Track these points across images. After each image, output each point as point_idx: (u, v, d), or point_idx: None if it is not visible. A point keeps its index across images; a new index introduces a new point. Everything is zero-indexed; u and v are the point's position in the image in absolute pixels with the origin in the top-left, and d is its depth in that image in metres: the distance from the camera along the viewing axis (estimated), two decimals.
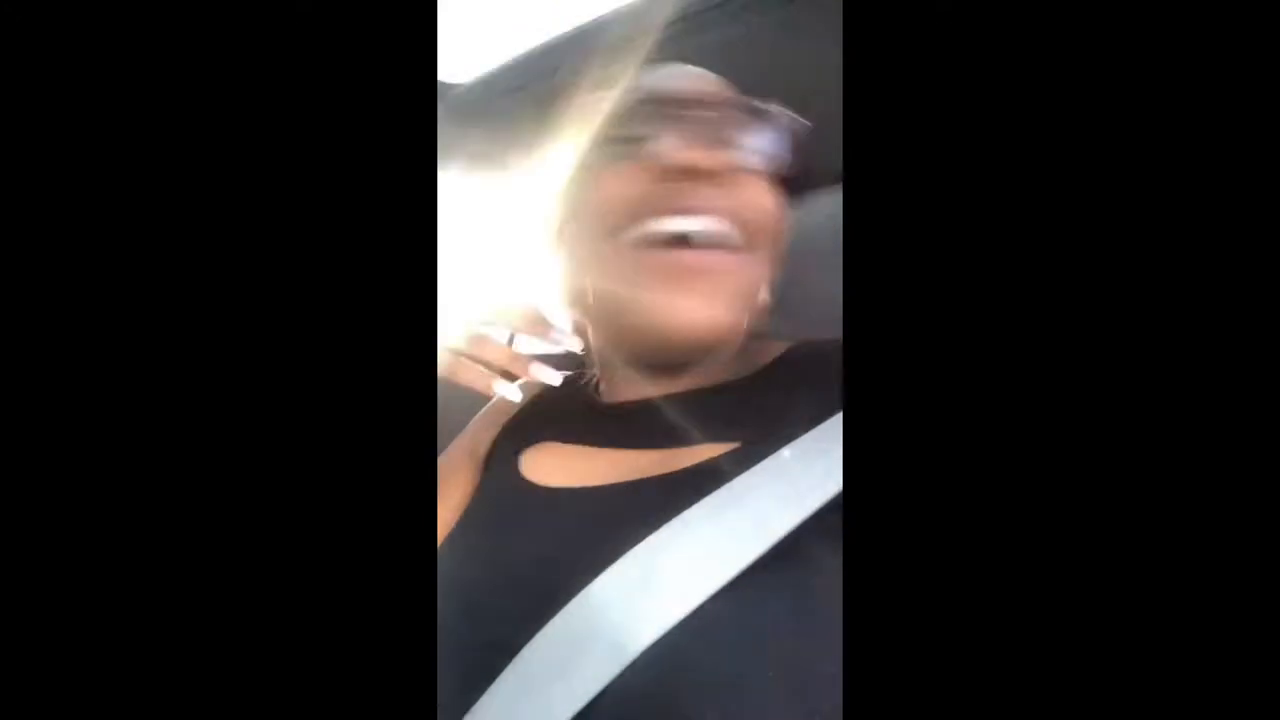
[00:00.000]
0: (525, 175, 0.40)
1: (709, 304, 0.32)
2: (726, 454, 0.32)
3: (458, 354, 0.39)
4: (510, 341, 0.40)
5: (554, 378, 0.39)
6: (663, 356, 0.35)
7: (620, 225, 0.33)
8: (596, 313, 0.37)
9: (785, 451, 0.30)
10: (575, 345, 0.40)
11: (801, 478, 0.28)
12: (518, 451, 0.40)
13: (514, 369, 0.39)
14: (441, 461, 0.45)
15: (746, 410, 0.34)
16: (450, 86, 0.74)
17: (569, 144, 0.36)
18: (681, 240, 0.32)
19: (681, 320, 0.32)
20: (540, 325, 0.40)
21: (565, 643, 0.27)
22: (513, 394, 0.39)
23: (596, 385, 0.43)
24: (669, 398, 0.36)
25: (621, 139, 0.34)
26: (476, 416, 0.47)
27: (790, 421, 0.31)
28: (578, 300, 0.37)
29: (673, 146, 0.32)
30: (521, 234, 0.43)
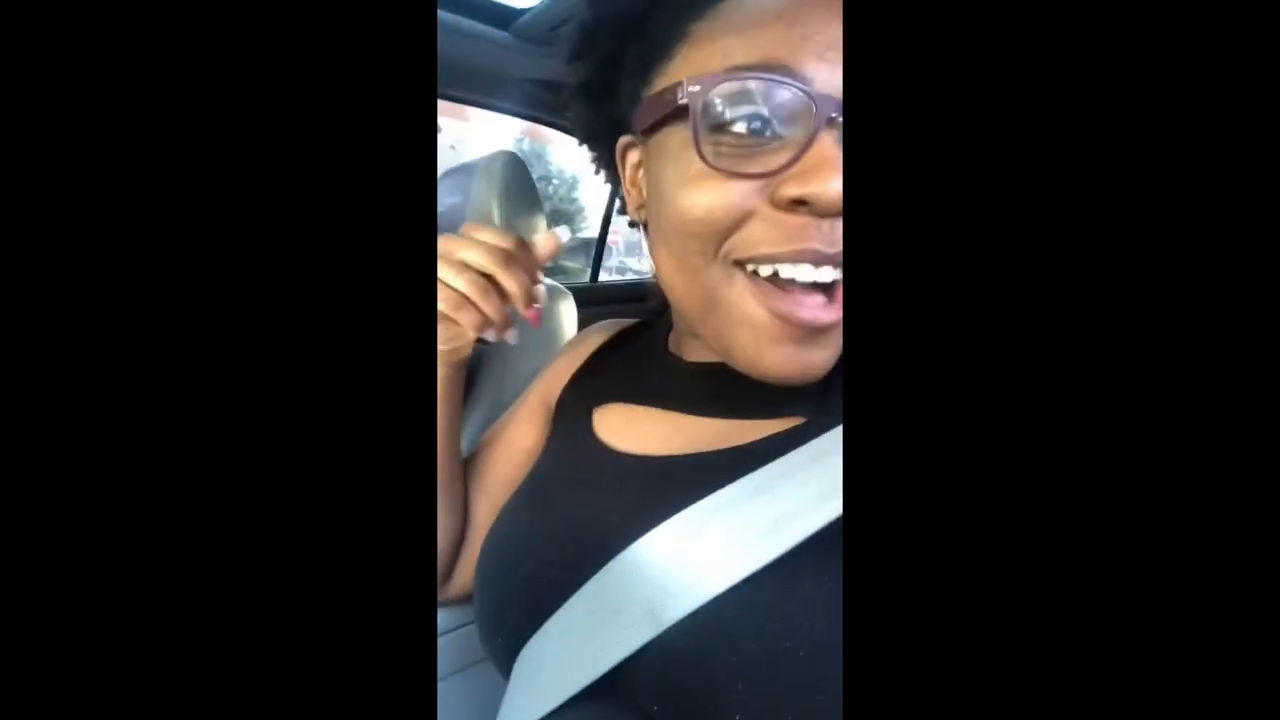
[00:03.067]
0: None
1: (816, 356, 0.30)
2: (789, 430, 0.32)
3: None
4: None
5: (512, 336, 0.37)
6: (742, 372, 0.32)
7: (724, 245, 0.29)
8: (683, 303, 0.34)
9: (836, 431, 0.30)
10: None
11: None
12: (590, 407, 0.41)
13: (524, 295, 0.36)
14: (518, 407, 0.47)
15: (813, 383, 0.32)
16: (518, 11, 0.78)
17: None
18: (802, 285, 0.28)
19: (780, 367, 0.30)
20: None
21: (608, 600, 0.29)
22: (511, 338, 0.37)
23: (667, 334, 0.43)
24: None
25: (720, 127, 0.27)
26: (549, 364, 0.49)
27: None
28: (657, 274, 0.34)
29: (803, 174, 0.26)
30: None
